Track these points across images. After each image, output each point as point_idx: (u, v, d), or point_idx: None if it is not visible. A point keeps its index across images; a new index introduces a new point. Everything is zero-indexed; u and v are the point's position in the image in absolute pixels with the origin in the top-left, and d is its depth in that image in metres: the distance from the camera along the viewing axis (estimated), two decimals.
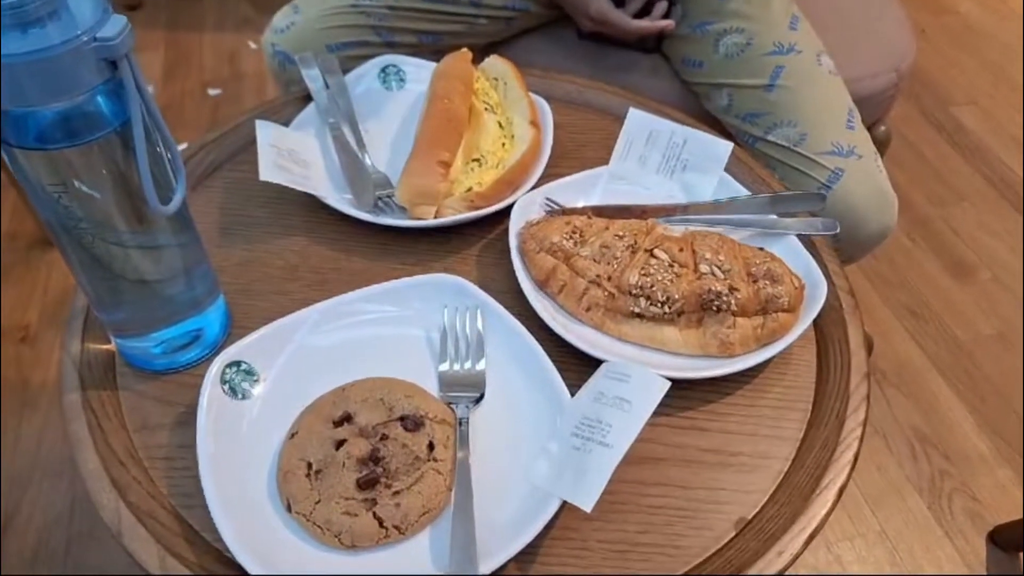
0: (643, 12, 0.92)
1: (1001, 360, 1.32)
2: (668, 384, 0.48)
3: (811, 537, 0.49)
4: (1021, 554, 1.08)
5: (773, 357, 0.56)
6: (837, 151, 0.86)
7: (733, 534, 0.49)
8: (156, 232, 0.49)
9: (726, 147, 0.68)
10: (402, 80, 0.79)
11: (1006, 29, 2.06)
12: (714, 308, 0.56)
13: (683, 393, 0.55)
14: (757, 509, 0.50)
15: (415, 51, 0.82)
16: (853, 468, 0.52)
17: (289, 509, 0.46)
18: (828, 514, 0.50)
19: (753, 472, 0.52)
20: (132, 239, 0.48)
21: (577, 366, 0.55)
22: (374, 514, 0.45)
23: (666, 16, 0.91)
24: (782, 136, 0.88)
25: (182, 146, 0.71)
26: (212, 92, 1.84)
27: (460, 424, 0.51)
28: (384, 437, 0.48)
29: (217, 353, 0.57)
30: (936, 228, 1.55)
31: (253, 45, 1.97)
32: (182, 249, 0.52)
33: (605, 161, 0.70)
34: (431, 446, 0.49)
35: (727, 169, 0.68)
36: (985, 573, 1.07)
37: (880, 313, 1.40)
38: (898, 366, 1.32)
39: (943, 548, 1.09)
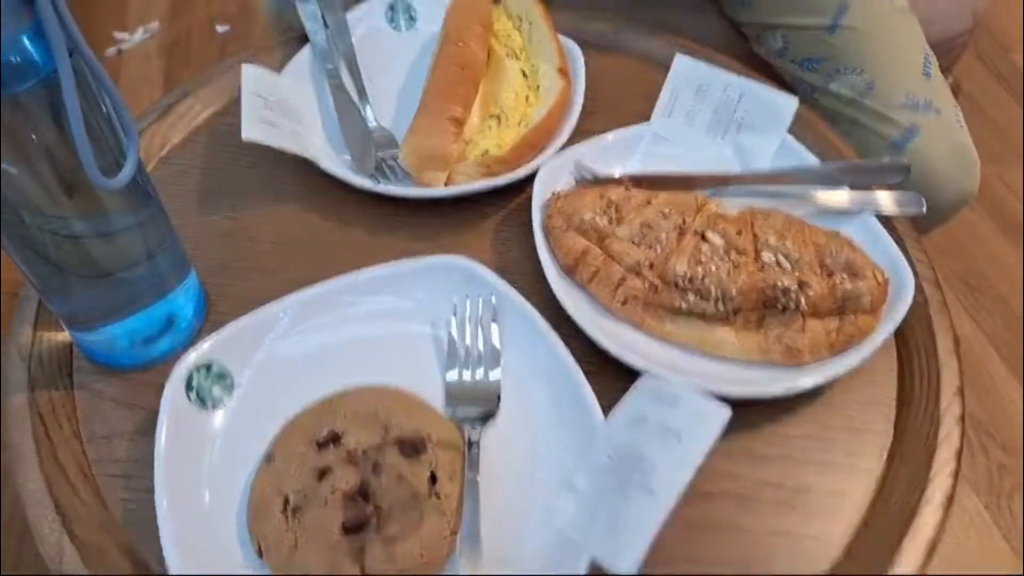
0: None
1: None
2: (728, 413, 0.39)
3: None
4: None
5: (850, 370, 0.47)
6: (911, 104, 0.74)
7: None
8: (108, 214, 0.40)
9: (790, 103, 0.56)
10: (412, 18, 0.68)
11: None
12: (779, 307, 0.46)
13: (737, 409, 0.46)
14: (828, 564, 0.42)
15: None
16: (947, 514, 0.43)
17: (260, 554, 0.38)
18: (920, 571, 0.41)
19: (824, 516, 0.43)
20: (79, 225, 0.39)
21: (611, 372, 0.46)
22: (361, 567, 0.37)
23: None
24: (846, 85, 0.76)
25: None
26: (220, 29, 1.72)
27: (469, 447, 0.42)
28: (377, 466, 0.40)
29: (193, 342, 0.49)
30: (994, 189, 1.41)
31: None
32: (141, 230, 0.43)
33: (646, 117, 0.59)
34: (433, 478, 0.40)
35: (790, 130, 0.57)
36: None
37: None
38: None
39: (1002, 552, 1.00)
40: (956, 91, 1.00)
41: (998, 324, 1.23)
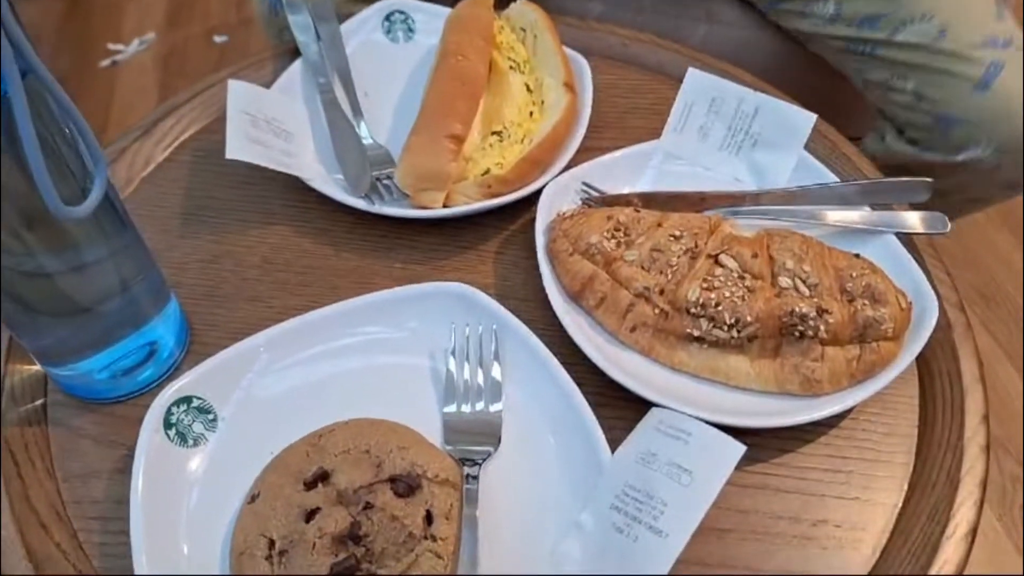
0: None
1: None
2: (742, 450, 0.36)
3: None
4: None
5: (869, 398, 0.44)
6: (991, 42, 0.71)
7: None
8: (77, 247, 0.38)
9: (807, 120, 0.54)
10: (410, 30, 0.66)
11: None
12: (797, 334, 0.44)
13: (751, 440, 0.43)
14: None
15: None
16: (971, 548, 0.41)
17: None
18: None
19: (842, 550, 0.41)
20: (44, 260, 0.37)
21: (620, 403, 0.43)
22: None
23: None
24: (916, 34, 0.72)
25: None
26: (218, 39, 1.70)
27: (468, 483, 0.39)
28: (368, 506, 0.37)
29: (176, 373, 0.46)
30: (1011, 200, 1.39)
31: None
32: (115, 260, 0.40)
33: (656, 133, 0.57)
34: (429, 518, 0.38)
35: (808, 147, 0.55)
36: None
37: None
38: None
39: (1013, 564, 0.97)
40: None
41: (1013, 335, 1.20)
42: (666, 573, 0.34)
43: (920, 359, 0.47)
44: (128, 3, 1.79)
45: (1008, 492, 1.04)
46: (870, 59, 0.76)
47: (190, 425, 0.41)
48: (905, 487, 0.43)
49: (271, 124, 0.55)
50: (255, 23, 1.92)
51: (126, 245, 0.41)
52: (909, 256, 0.49)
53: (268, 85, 0.59)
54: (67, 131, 0.35)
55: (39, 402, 0.45)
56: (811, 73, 0.82)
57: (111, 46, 1.66)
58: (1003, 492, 1.04)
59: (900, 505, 0.43)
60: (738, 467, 0.42)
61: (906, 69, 0.74)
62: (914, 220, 0.51)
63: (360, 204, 0.52)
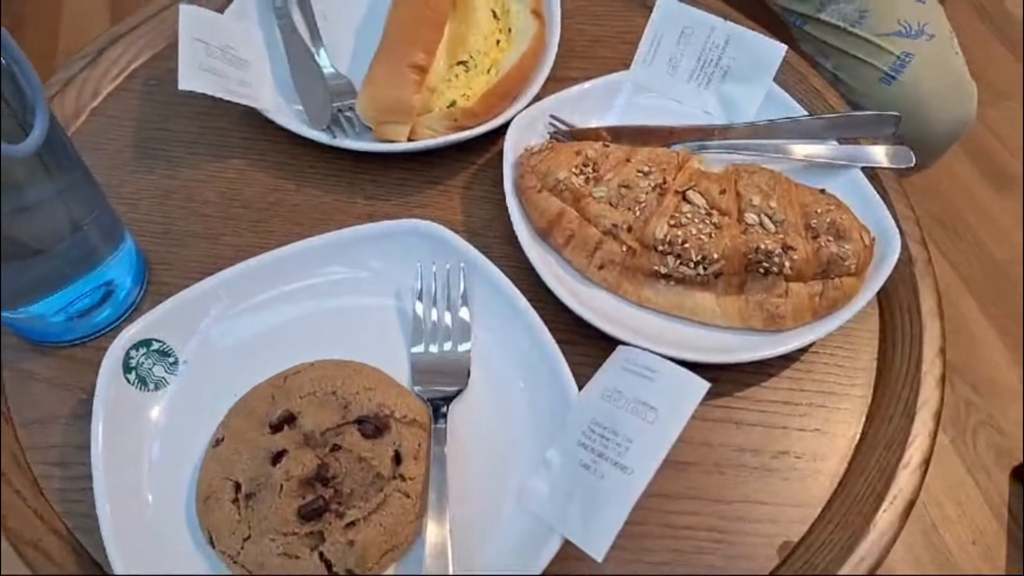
0: None
1: None
2: (706, 387, 0.37)
3: (873, 569, 0.39)
4: None
5: (831, 333, 0.45)
6: (904, 31, 0.71)
7: (777, 562, 0.40)
8: (21, 187, 0.36)
9: (778, 50, 0.53)
10: None
11: None
12: (762, 271, 0.44)
13: (715, 375, 0.44)
14: (806, 528, 0.41)
15: None
16: (924, 477, 0.42)
17: (213, 544, 0.36)
18: (894, 539, 0.40)
19: (802, 480, 0.42)
20: None
21: (587, 341, 0.43)
22: (320, 555, 0.35)
23: None
24: (837, 14, 0.73)
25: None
26: None
27: (436, 422, 0.40)
28: (336, 448, 0.37)
29: (133, 313, 0.45)
30: (974, 130, 1.39)
31: None
32: (64, 199, 0.39)
33: (625, 64, 0.55)
34: (397, 458, 0.38)
35: (778, 79, 0.54)
36: (1008, 511, 1.01)
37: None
38: None
39: (964, 486, 1.03)
40: None
41: (974, 267, 1.23)
42: (630, 508, 0.34)
43: (881, 293, 0.48)
44: None
45: (962, 416, 1.09)
46: (800, 32, 0.76)
47: (151, 369, 0.40)
48: (863, 419, 0.45)
49: (225, 52, 0.52)
50: None
51: (74, 183, 0.39)
52: (874, 191, 0.49)
53: (221, 10, 0.56)
54: (2, 63, 0.32)
55: None
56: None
57: None
58: (957, 415, 1.09)
59: (858, 436, 0.44)
60: (702, 402, 0.43)
61: (827, 49, 0.73)
62: (879, 154, 0.51)
63: (321, 137, 0.50)
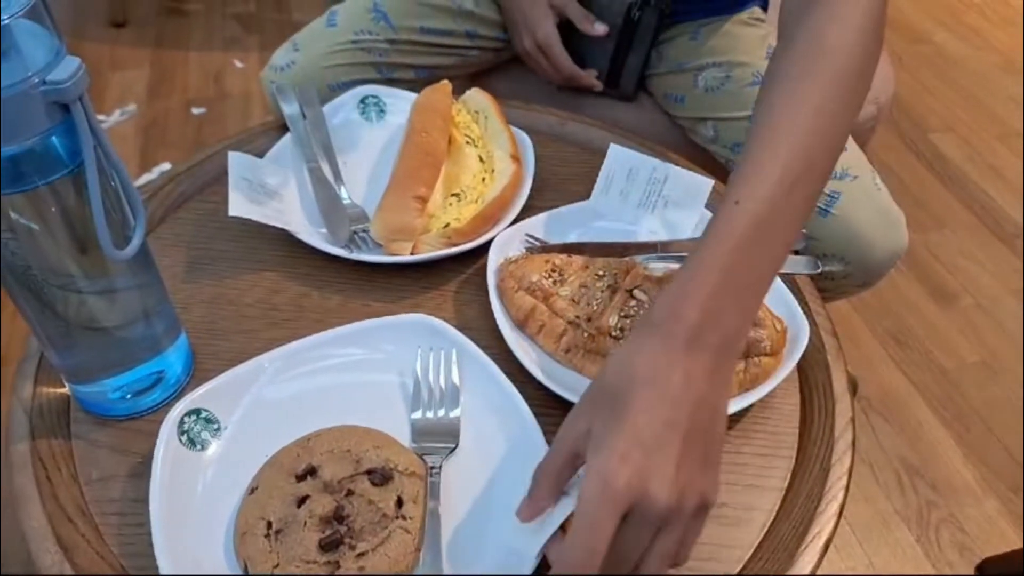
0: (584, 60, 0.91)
1: (985, 388, 1.32)
2: None
3: None
4: None
5: (754, 404, 0.55)
6: (831, 175, 0.84)
7: None
8: (112, 277, 0.47)
9: (707, 184, 0.66)
10: (382, 111, 0.77)
11: (980, 59, 2.08)
12: None
13: None
14: (741, 566, 0.48)
15: (411, 86, 0.81)
16: (839, 521, 0.51)
17: (247, 572, 0.44)
18: (815, 570, 0.48)
19: (736, 526, 0.50)
20: (86, 285, 0.46)
21: (558, 411, 0.52)
22: None
23: (645, 62, 0.91)
24: None
25: (163, 167, 0.69)
26: (196, 111, 1.82)
27: (431, 474, 0.48)
28: (350, 493, 0.46)
29: (180, 396, 0.54)
30: (918, 254, 1.55)
31: (239, 64, 1.95)
32: (140, 291, 0.50)
33: (586, 196, 0.68)
34: (400, 502, 0.46)
35: (709, 206, 0.67)
36: None
37: (864, 340, 1.39)
38: (883, 394, 1.31)
39: None
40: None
41: (925, 376, 1.34)
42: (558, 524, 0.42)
43: (800, 373, 0.58)
44: (111, 75, 1.90)
45: (924, 514, 1.15)
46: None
47: (199, 432, 0.49)
48: (788, 475, 0.53)
49: (265, 187, 0.65)
50: (231, 97, 2.03)
51: (149, 280, 0.50)
52: (786, 289, 0.60)
53: (261, 155, 0.69)
54: (112, 183, 0.44)
55: (63, 420, 0.53)
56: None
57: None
58: (920, 514, 1.15)
59: (784, 489, 0.53)
60: None
61: None
62: (793, 263, 0.63)
63: (341, 252, 0.62)
